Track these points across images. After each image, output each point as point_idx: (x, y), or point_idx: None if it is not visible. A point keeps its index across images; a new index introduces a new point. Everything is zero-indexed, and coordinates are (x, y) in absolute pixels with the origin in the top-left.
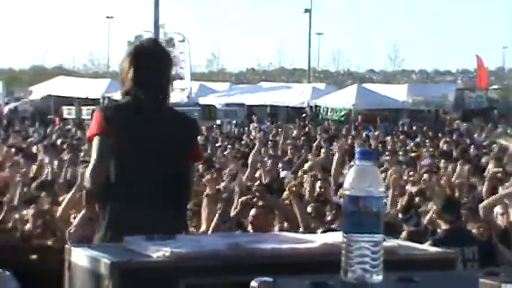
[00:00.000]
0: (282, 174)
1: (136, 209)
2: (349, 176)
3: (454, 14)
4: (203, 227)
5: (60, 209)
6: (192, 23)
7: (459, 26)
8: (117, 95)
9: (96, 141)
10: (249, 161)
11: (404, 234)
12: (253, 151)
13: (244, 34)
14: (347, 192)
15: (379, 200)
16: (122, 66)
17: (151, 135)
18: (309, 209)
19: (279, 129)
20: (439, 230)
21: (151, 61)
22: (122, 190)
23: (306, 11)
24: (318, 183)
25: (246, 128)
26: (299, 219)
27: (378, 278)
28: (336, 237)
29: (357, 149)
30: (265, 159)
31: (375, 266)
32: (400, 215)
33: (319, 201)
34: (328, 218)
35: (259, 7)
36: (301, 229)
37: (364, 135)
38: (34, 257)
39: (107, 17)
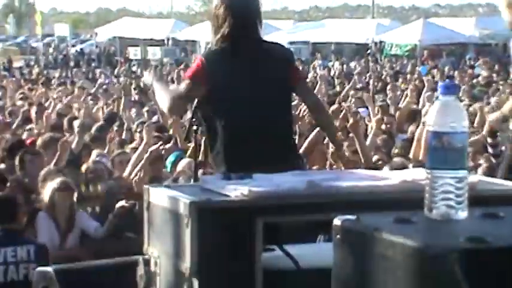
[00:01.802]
0: (360, 111)
1: (246, 151)
2: (432, 111)
3: None
4: None
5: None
6: None
7: None
8: (182, 35)
9: (187, 83)
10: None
11: (483, 167)
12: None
13: None
14: (430, 128)
15: (463, 135)
16: (213, 9)
17: (249, 78)
18: (378, 141)
19: (344, 66)
20: None
21: (245, 4)
22: (228, 136)
23: None
24: (385, 119)
25: (311, 66)
26: (360, 153)
27: (463, 214)
28: (412, 174)
29: (440, 84)
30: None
31: (460, 203)
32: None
33: (386, 134)
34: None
35: None
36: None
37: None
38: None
39: None
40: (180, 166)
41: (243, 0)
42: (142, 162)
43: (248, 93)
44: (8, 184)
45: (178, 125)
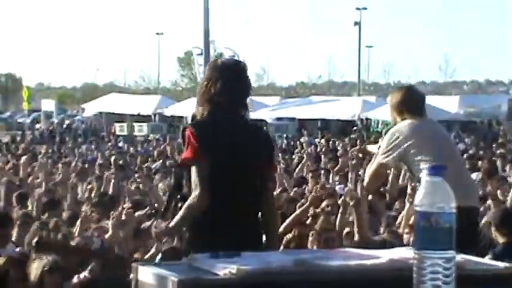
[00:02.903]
0: (337, 188)
1: (219, 225)
2: (420, 191)
3: (505, 23)
4: None
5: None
6: (241, 38)
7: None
8: (168, 111)
9: (196, 169)
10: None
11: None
12: (300, 166)
13: (294, 48)
14: (418, 209)
15: (450, 215)
16: (206, 80)
17: (238, 149)
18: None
19: (329, 143)
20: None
21: (237, 76)
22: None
23: (356, 23)
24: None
25: (298, 142)
26: (356, 229)
27: None
28: (400, 252)
29: (428, 166)
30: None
31: (448, 283)
32: None
33: (371, 212)
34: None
35: (308, 21)
36: (356, 238)
37: None
38: None
39: (157, 34)
40: None
41: (238, 78)
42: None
43: (228, 171)
44: None
45: None
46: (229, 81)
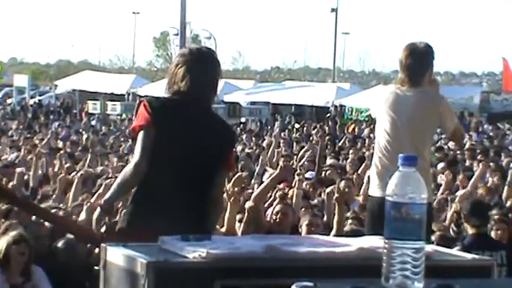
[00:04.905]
0: (307, 175)
1: (159, 204)
2: (392, 182)
3: (480, 15)
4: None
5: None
6: (218, 20)
7: (485, 27)
8: (142, 91)
9: (140, 134)
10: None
11: (434, 238)
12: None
13: (270, 32)
14: (389, 199)
15: (421, 206)
16: (173, 67)
17: (191, 134)
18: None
19: (304, 128)
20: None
21: (204, 67)
22: (152, 182)
23: (333, 10)
24: (342, 183)
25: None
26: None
27: (419, 285)
28: (370, 241)
29: (400, 155)
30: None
31: (416, 273)
32: None
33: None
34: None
35: (285, 6)
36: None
37: None
38: None
39: (133, 13)
40: None
41: (204, 68)
42: None
43: (180, 158)
44: None
45: None
46: (193, 70)
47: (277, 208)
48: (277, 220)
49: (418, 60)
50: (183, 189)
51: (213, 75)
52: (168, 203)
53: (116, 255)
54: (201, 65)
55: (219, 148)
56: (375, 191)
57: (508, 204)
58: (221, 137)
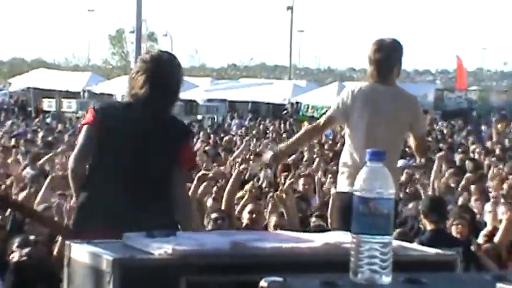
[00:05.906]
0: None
1: (105, 206)
2: (360, 177)
3: (434, 13)
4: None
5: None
6: (174, 18)
7: (439, 26)
8: (98, 89)
9: (83, 130)
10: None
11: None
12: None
13: (226, 30)
14: (357, 193)
15: (389, 201)
16: (134, 73)
17: (137, 136)
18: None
19: (261, 126)
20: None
21: (163, 73)
22: (97, 178)
23: (288, 8)
24: (302, 180)
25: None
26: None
27: (387, 279)
28: (336, 237)
29: (368, 151)
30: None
31: (384, 268)
32: None
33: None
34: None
35: (242, 4)
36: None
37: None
38: None
39: (89, 10)
40: None
41: (164, 77)
42: None
43: (130, 163)
44: None
45: None
46: (153, 79)
47: (250, 207)
48: (253, 218)
49: (386, 55)
50: (127, 191)
51: (174, 83)
52: (113, 204)
53: (80, 252)
54: (162, 74)
55: (168, 147)
56: (344, 187)
57: (460, 201)
58: (170, 137)
